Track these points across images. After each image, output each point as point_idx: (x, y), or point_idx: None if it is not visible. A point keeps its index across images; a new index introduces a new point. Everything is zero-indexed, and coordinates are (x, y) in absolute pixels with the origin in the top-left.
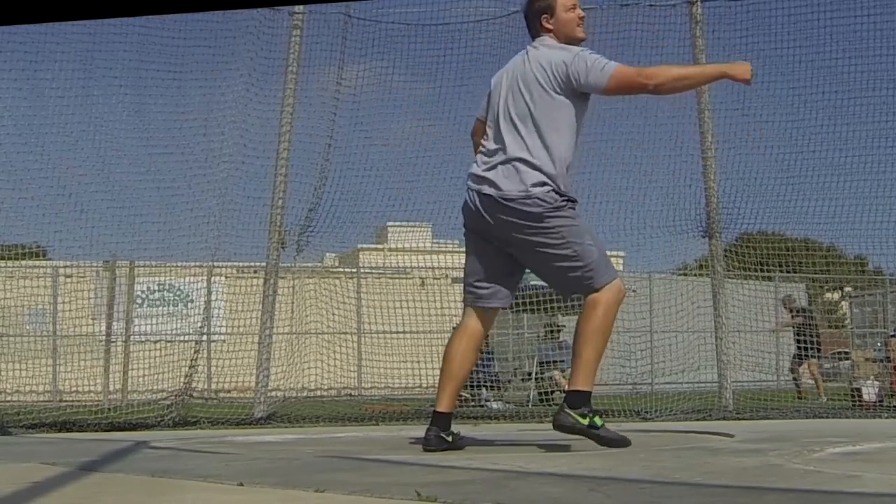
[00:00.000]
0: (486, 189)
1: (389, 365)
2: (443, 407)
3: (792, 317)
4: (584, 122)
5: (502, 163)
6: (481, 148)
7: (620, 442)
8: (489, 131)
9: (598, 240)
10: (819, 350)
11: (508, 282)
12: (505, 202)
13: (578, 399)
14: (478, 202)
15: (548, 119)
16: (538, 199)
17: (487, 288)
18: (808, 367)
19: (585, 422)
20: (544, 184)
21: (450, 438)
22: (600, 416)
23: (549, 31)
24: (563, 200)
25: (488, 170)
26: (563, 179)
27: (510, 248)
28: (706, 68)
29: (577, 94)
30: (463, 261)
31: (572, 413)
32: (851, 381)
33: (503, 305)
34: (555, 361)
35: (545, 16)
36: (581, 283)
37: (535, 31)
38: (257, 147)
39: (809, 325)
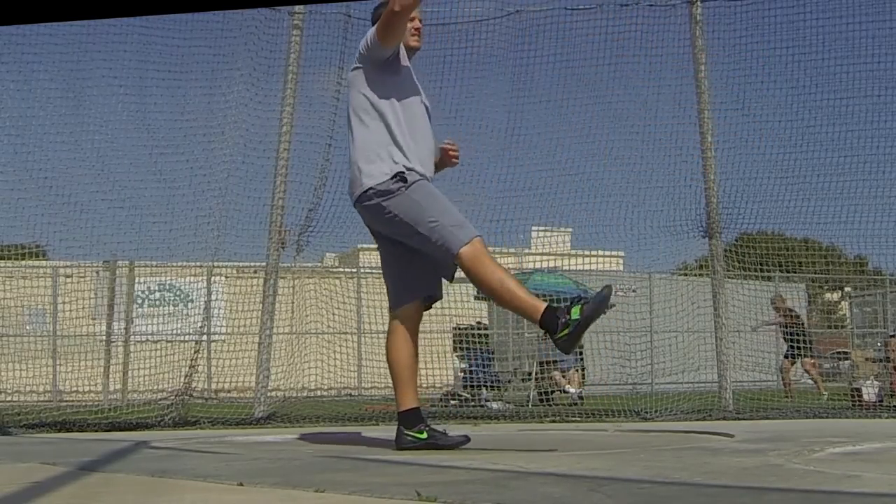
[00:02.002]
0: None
1: None
2: (408, 405)
3: (777, 316)
4: (411, 92)
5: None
6: None
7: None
8: None
9: (446, 204)
10: (811, 349)
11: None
12: (356, 203)
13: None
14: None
15: (355, 117)
16: (370, 191)
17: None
18: (804, 366)
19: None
20: (371, 175)
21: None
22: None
23: None
24: (394, 182)
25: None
26: (387, 164)
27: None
28: None
29: (379, 71)
30: None
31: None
32: (851, 381)
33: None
34: (555, 361)
35: None
36: (442, 251)
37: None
38: (257, 147)
39: (796, 324)
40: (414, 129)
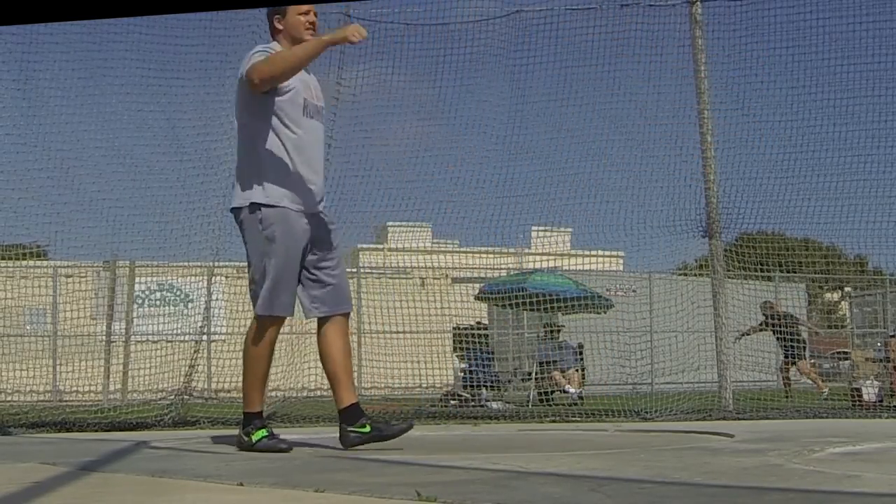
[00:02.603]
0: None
1: (389, 365)
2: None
3: (761, 322)
4: (299, 117)
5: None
6: None
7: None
8: None
9: (281, 269)
10: (804, 350)
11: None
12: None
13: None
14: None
15: (240, 136)
16: (238, 210)
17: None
18: (801, 370)
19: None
20: (246, 194)
21: (365, 429)
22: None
23: (278, 31)
24: (263, 209)
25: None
26: (263, 192)
27: None
28: (308, 44)
29: (258, 97)
30: (463, 261)
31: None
32: (851, 381)
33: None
34: (554, 361)
35: (277, 16)
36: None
37: (270, 32)
38: None
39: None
40: (301, 153)
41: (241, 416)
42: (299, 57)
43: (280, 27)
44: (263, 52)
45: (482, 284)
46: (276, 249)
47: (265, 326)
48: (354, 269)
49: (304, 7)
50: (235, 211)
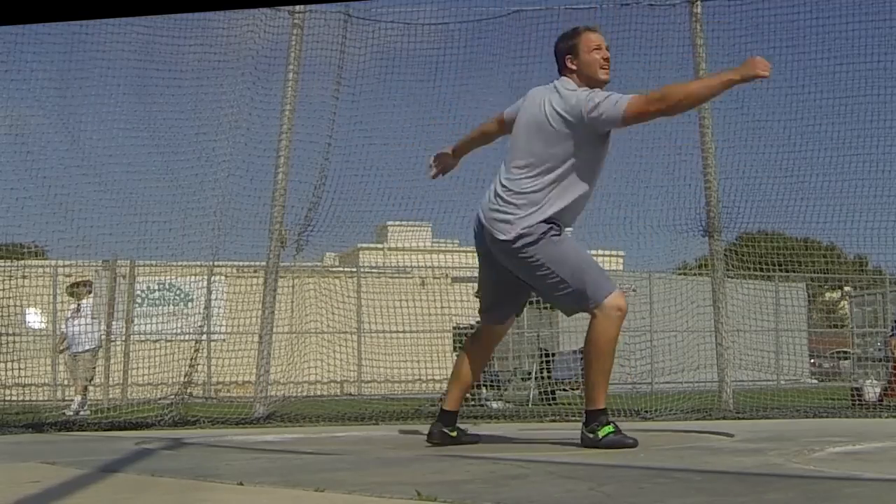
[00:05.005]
0: (485, 218)
1: (390, 364)
2: (448, 405)
3: None
4: (597, 157)
5: (497, 196)
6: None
7: (623, 446)
8: (505, 161)
9: (586, 257)
10: None
11: (511, 300)
12: (494, 237)
13: (588, 418)
14: (480, 227)
15: (545, 156)
16: (518, 237)
17: (488, 304)
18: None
19: (591, 436)
20: (522, 221)
21: (454, 434)
22: (609, 425)
23: (572, 71)
24: (544, 229)
25: (489, 199)
26: (549, 211)
27: (513, 271)
28: (712, 82)
29: (587, 132)
30: (463, 260)
31: (585, 432)
32: (852, 381)
33: (499, 322)
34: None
35: (569, 56)
36: (576, 307)
37: (560, 69)
38: (257, 146)
39: None
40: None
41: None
42: (700, 96)
43: (573, 67)
44: (601, 92)
45: None
46: (567, 250)
47: (612, 308)
48: (354, 269)
49: (594, 42)
50: (511, 231)
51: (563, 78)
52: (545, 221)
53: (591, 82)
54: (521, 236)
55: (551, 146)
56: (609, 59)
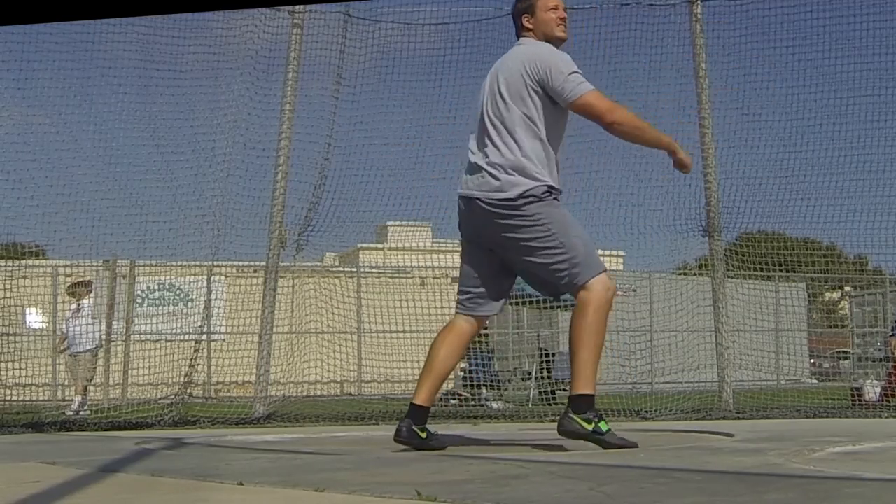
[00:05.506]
0: (474, 193)
1: (390, 364)
2: (419, 400)
3: None
4: (564, 123)
5: (486, 166)
6: (469, 152)
7: (626, 447)
8: (473, 135)
9: (584, 233)
10: None
11: (493, 289)
12: (489, 205)
13: (581, 404)
14: (468, 205)
15: (521, 117)
16: (521, 195)
17: (470, 293)
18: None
19: (590, 427)
20: (524, 180)
21: (423, 434)
22: (605, 421)
23: (528, 30)
24: (545, 192)
25: (473, 174)
26: (542, 172)
27: (500, 251)
28: (661, 135)
29: (553, 96)
30: None
31: (576, 418)
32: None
33: (475, 313)
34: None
35: (525, 15)
36: (567, 280)
37: (518, 30)
38: (257, 146)
39: None
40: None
41: (567, 401)
42: (646, 138)
43: (530, 26)
44: (571, 65)
45: None
46: (567, 220)
47: (603, 283)
48: (354, 269)
49: (551, 2)
50: (510, 194)
51: (522, 38)
52: (545, 185)
53: (549, 40)
54: (522, 195)
55: (529, 108)
56: (566, 19)
